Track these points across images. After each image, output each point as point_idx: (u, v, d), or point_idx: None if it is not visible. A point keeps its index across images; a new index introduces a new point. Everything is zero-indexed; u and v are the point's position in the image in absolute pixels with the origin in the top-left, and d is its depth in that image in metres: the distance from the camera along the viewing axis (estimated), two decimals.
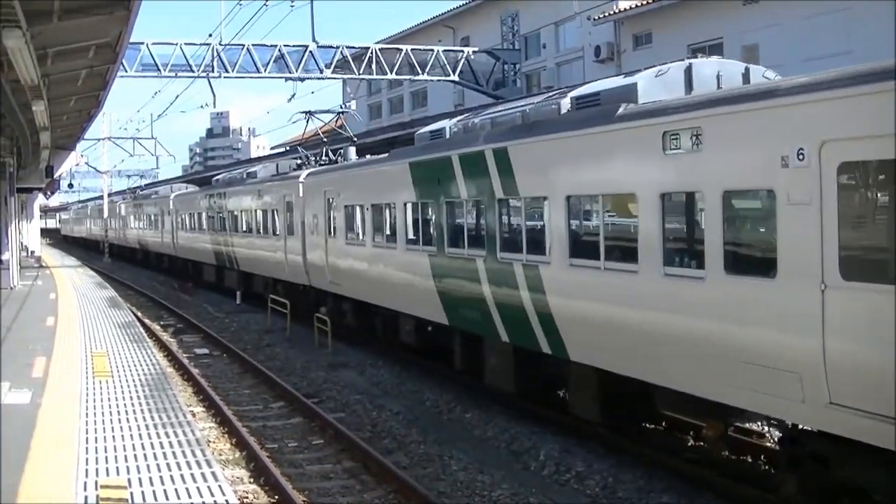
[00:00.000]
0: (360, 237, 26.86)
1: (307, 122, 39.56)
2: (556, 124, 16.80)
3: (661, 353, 13.97)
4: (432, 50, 55.54)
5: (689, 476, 14.99)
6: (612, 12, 49.94)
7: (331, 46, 52.70)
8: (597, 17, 50.53)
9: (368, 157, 30.33)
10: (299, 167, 36.76)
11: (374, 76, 55.13)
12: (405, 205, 23.66)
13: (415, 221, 23.37)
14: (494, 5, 63.55)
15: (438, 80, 57.31)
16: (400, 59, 53.93)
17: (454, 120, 22.48)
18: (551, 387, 19.61)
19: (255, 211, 39.61)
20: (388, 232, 24.85)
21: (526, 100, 21.06)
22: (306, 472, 16.35)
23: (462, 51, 57.30)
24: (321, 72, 52.34)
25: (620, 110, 14.91)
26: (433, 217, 21.93)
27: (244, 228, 41.83)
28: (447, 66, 55.17)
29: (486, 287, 19.08)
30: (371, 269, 26.03)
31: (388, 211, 24.84)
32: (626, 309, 14.69)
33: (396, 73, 54.55)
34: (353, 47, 53.80)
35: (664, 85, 15.19)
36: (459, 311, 20.62)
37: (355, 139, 37.70)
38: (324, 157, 35.87)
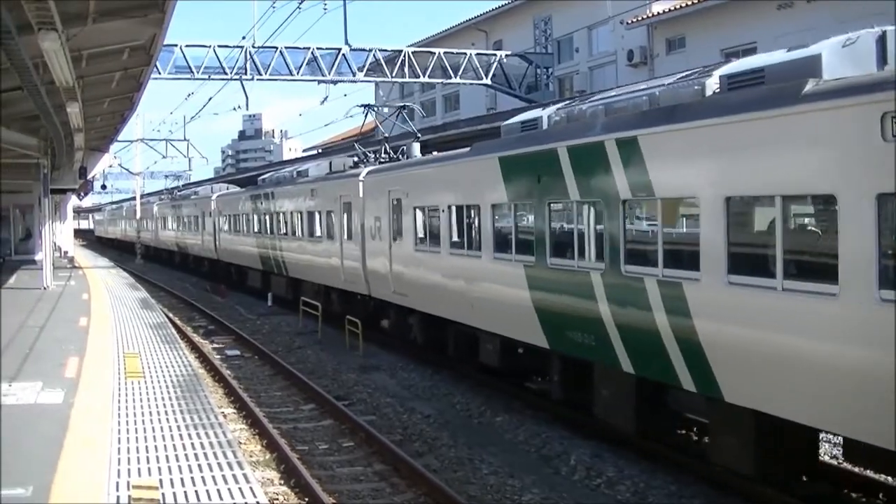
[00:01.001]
0: (435, 243, 23.92)
1: (365, 115, 37.67)
2: (709, 108, 13.97)
3: (867, 401, 11.13)
4: (465, 53, 55.53)
5: (720, 482, 14.90)
6: (645, 16, 49.84)
7: (363, 49, 52.77)
8: (630, 22, 50.45)
9: (435, 153, 28.54)
10: (356, 165, 34.19)
11: (407, 79, 55.18)
12: (493, 207, 20.46)
13: (506, 226, 20.23)
14: (527, 9, 63.46)
15: (471, 84, 57.29)
16: (432, 62, 53.94)
17: (551, 108, 19.58)
18: (682, 425, 17.25)
19: (308, 212, 36.76)
20: (470, 238, 22.04)
21: (652, 82, 17.43)
22: (336, 475, 16.38)
23: (495, 54, 57.24)
24: (354, 75, 52.41)
25: (808, 87, 11.96)
26: (531, 221, 18.81)
27: (294, 231, 38.86)
28: (479, 69, 55.14)
29: (603, 306, 16.09)
30: (447, 280, 23.07)
31: (470, 214, 22.05)
32: (818, 343, 11.76)
33: (429, 77, 54.54)
34: (386, 50, 53.83)
35: (853, 57, 12.42)
36: (564, 332, 17.63)
37: (419, 135, 35.02)
38: (383, 155, 33.19)
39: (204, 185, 73.55)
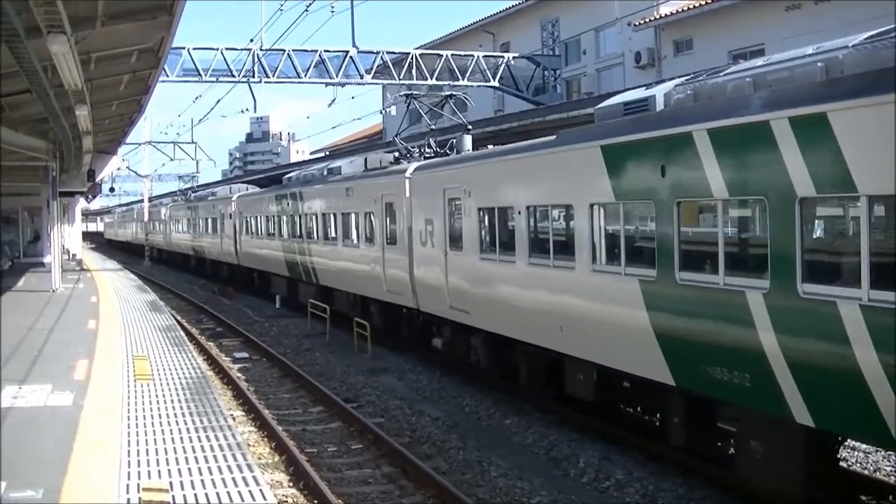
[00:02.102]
0: (507, 251, 20.20)
1: (408, 106, 34.17)
2: None
3: None
4: (472, 55, 55.53)
5: (729, 485, 14.87)
6: (652, 18, 49.78)
7: (371, 52, 52.79)
8: (637, 24, 50.38)
9: (490, 146, 24.83)
10: (396, 161, 30.77)
11: (415, 81, 55.15)
12: (593, 207, 16.74)
13: (612, 231, 16.58)
14: (535, 11, 63.36)
15: (478, 86, 57.28)
16: (440, 64, 53.96)
17: (666, 85, 16.25)
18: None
19: (342, 214, 33.20)
20: (558, 245, 18.29)
21: (823, 44, 13.25)
22: (345, 477, 16.39)
23: (502, 56, 57.22)
24: (361, 77, 52.45)
25: None
26: (650, 225, 15.18)
27: (326, 235, 35.16)
28: (487, 71, 55.14)
29: (767, 336, 12.55)
30: (524, 296, 19.40)
31: (558, 216, 18.74)
32: None
33: (436, 79, 54.53)
34: (394, 53, 53.87)
35: None
36: (699, 367, 14.05)
37: (469, 126, 30.71)
38: (427, 150, 29.95)
39: (221, 186, 70.01)
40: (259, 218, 46.83)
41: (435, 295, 24.63)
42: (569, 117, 31.52)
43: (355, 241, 31.62)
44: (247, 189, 56.94)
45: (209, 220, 59.97)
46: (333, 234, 34.30)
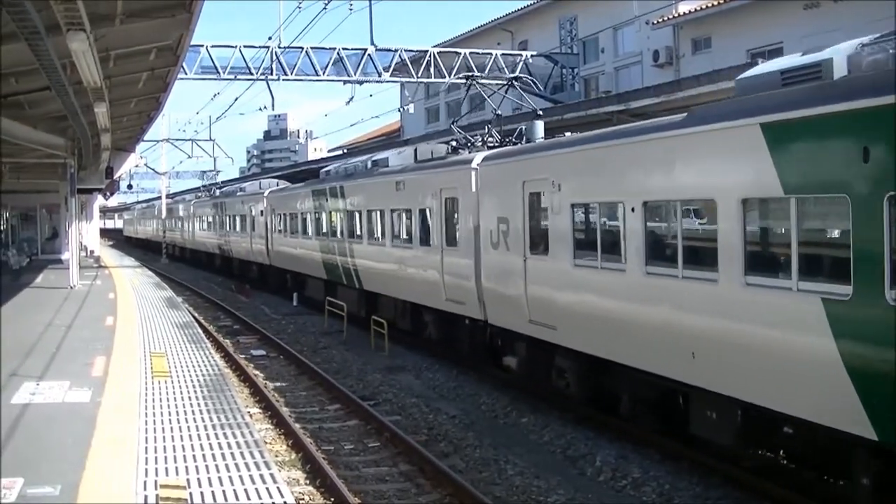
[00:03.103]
0: (612, 256, 16.91)
1: (467, 90, 31.79)
2: None
3: None
4: (490, 53, 55.51)
5: (746, 484, 14.83)
6: (670, 17, 49.72)
7: (389, 50, 52.79)
8: (655, 22, 50.33)
9: (566, 134, 22.13)
10: (455, 151, 27.48)
11: (433, 79, 55.14)
12: (746, 203, 13.47)
13: (777, 234, 13.72)
14: (553, 9, 63.35)
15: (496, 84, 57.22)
16: (458, 62, 53.93)
17: (844, 45, 12.86)
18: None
19: (391, 211, 29.79)
20: (689, 252, 14.92)
21: None
22: (362, 475, 16.39)
23: (520, 54, 57.19)
24: (379, 75, 52.44)
25: None
26: (842, 225, 11.79)
27: (372, 234, 31.74)
28: (505, 69, 55.10)
29: None
30: (638, 312, 15.91)
31: (689, 214, 15.35)
32: None
33: (454, 77, 54.54)
34: (412, 50, 53.85)
35: None
36: None
37: (540, 111, 27.52)
38: (489, 138, 26.81)
39: (250, 181, 65.67)
40: (294, 215, 43.60)
41: (509, 306, 21.31)
42: (693, 96, 27.24)
43: (407, 242, 28.33)
44: (277, 184, 54.06)
45: (237, 218, 56.93)
46: (380, 234, 30.91)
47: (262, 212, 50.10)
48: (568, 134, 22.15)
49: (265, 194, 50.50)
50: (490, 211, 22.32)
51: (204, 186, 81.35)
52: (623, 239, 16.48)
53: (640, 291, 16.03)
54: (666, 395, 16.15)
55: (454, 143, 28.02)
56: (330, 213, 37.08)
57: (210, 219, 66.63)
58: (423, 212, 26.95)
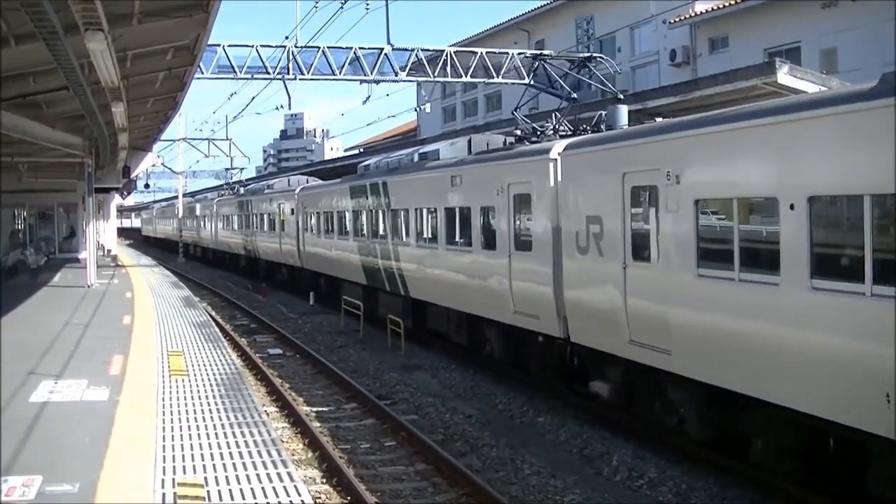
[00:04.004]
0: (762, 266, 13.67)
1: (535, 70, 26.46)
2: None
3: None
4: (507, 53, 55.48)
5: (762, 483, 14.80)
6: (687, 16, 49.66)
7: (405, 49, 52.68)
8: (672, 21, 50.27)
9: (660, 120, 19.41)
10: (520, 141, 24.49)
11: (449, 79, 55.01)
12: None
13: None
14: (570, 8, 63.35)
15: (513, 84, 57.18)
16: (475, 62, 53.83)
17: None
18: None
19: (445, 209, 26.29)
20: (880, 263, 11.45)
21: None
22: (379, 474, 16.41)
23: (537, 54, 57.17)
24: (396, 74, 52.32)
25: None
26: None
27: (421, 235, 28.61)
28: (521, 69, 55.11)
29: None
30: (802, 338, 12.57)
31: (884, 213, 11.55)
32: None
33: (471, 76, 54.41)
34: (428, 50, 53.75)
35: None
36: None
37: (621, 95, 25.73)
38: (561, 127, 24.25)
39: (278, 178, 60.79)
40: (329, 213, 40.16)
41: (600, 322, 17.97)
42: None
43: (465, 244, 24.87)
44: (306, 181, 50.50)
45: (265, 217, 53.62)
46: (432, 235, 27.66)
47: (292, 210, 47.03)
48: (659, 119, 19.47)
49: (296, 191, 47.18)
50: (575, 209, 18.87)
51: (227, 184, 79.38)
52: (777, 245, 13.11)
53: (802, 312, 12.67)
54: (818, 439, 13.28)
55: (518, 133, 25.02)
56: (371, 211, 33.59)
57: (235, 218, 63.57)
58: (485, 210, 23.56)
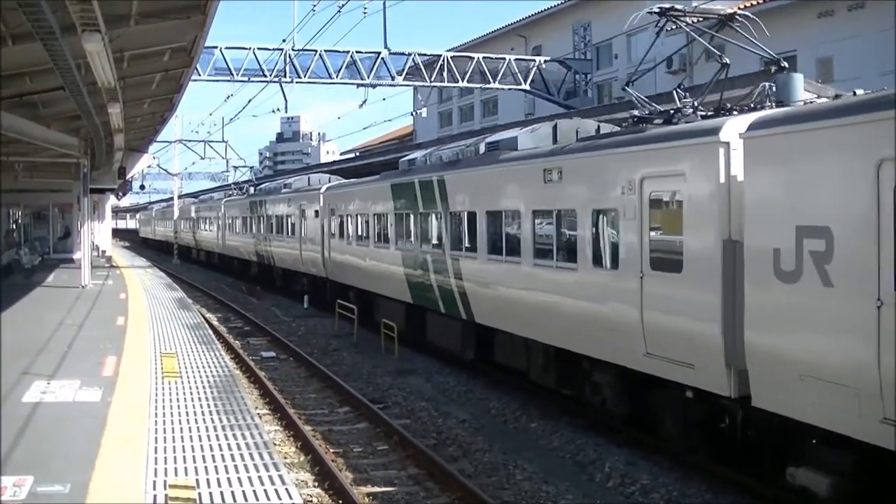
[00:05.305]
0: None
1: (661, 28, 20.03)
2: None
3: None
4: (504, 58, 55.61)
5: (755, 491, 14.79)
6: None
7: (402, 53, 52.92)
8: (669, 29, 50.30)
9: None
10: (637, 123, 17.95)
11: (446, 84, 55.23)
12: None
13: None
14: (567, 15, 63.47)
15: (509, 89, 57.30)
16: (471, 67, 54.07)
17: None
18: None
19: (532, 213, 20.18)
20: None
21: None
22: (371, 478, 16.39)
23: (534, 60, 57.27)
24: (392, 79, 52.58)
25: None
26: None
27: (495, 246, 22.21)
28: (518, 74, 55.19)
29: None
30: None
31: None
32: None
33: (468, 81, 54.63)
34: (425, 55, 53.98)
35: None
36: None
37: (785, 63, 17.77)
38: (688, 109, 16.95)
39: (296, 177, 54.10)
40: (363, 216, 33.93)
41: (822, 386, 11.77)
42: None
43: (566, 259, 18.80)
44: (329, 180, 44.32)
45: (282, 219, 47.75)
46: (511, 246, 21.45)
47: (316, 212, 40.69)
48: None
49: (322, 191, 40.51)
50: (771, 216, 12.79)
51: (236, 183, 73.76)
52: None
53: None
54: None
55: (635, 115, 18.49)
56: (421, 214, 27.37)
57: (245, 221, 57.58)
58: (600, 214, 17.58)
